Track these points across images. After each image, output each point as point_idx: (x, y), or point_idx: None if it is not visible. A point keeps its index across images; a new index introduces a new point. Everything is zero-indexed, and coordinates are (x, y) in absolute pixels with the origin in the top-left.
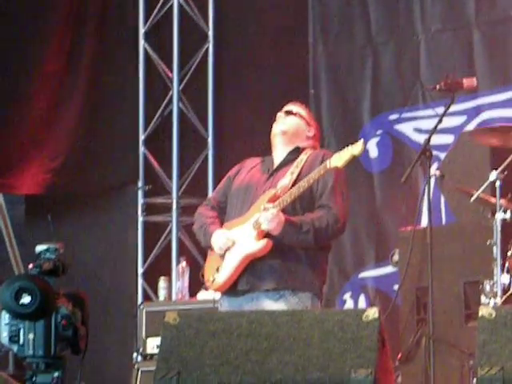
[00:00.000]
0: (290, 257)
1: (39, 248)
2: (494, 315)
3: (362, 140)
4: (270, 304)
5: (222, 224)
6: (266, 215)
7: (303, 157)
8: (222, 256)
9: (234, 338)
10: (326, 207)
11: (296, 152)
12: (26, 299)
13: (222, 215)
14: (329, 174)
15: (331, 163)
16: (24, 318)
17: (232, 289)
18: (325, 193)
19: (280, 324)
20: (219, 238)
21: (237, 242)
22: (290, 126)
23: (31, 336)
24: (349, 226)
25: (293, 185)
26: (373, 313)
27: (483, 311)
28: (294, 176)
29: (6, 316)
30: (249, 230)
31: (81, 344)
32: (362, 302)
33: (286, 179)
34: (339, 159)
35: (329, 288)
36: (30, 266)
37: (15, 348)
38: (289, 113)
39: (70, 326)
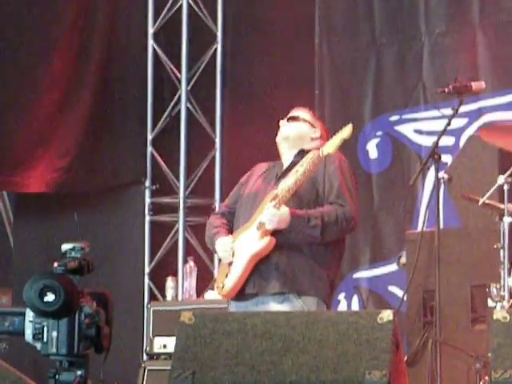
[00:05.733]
0: (296, 256)
1: (65, 247)
2: (508, 318)
3: (350, 124)
4: (275, 306)
5: (231, 229)
6: (266, 213)
7: (308, 155)
8: (230, 262)
9: (249, 338)
10: (336, 204)
11: (301, 154)
12: (50, 297)
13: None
14: (333, 173)
15: (323, 151)
16: (48, 315)
17: (240, 293)
18: (332, 192)
19: (295, 325)
20: (219, 248)
21: (241, 246)
22: (291, 131)
23: (54, 334)
24: None
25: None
26: (387, 315)
27: (498, 314)
28: (298, 174)
29: (30, 313)
30: (253, 233)
31: (104, 343)
32: (355, 303)
33: (291, 178)
34: (330, 146)
35: None
36: (55, 264)
37: (39, 345)
38: (291, 119)
39: (93, 324)
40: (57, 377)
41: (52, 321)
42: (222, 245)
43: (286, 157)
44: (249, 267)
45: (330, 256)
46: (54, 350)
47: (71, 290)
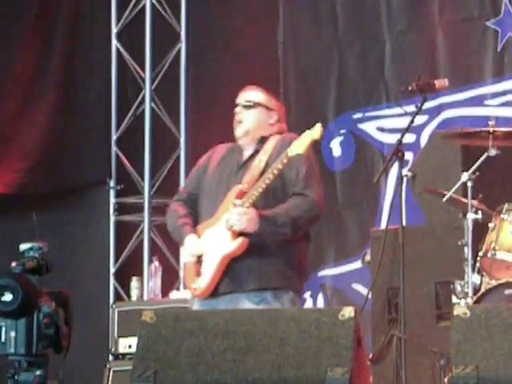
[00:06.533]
0: (267, 254)
1: (23, 246)
2: (468, 314)
3: (318, 124)
4: (251, 307)
5: (195, 218)
6: (235, 214)
7: (271, 142)
8: (200, 262)
9: (211, 336)
10: (301, 195)
11: (262, 142)
12: (7, 297)
13: (196, 207)
14: (299, 162)
15: (292, 151)
16: (6, 315)
17: (214, 292)
18: (298, 181)
19: (257, 323)
20: (185, 249)
21: (211, 245)
22: (249, 123)
23: (13, 334)
24: None
25: (261, 173)
26: (349, 312)
27: (458, 310)
28: (262, 164)
29: None
30: (222, 231)
31: (63, 343)
32: (320, 301)
33: (255, 170)
34: (300, 146)
35: None
36: (13, 263)
37: None
38: (246, 106)
39: (52, 324)
40: (16, 377)
41: (10, 321)
42: (189, 247)
43: (247, 147)
44: (221, 267)
45: (298, 250)
46: (12, 350)
47: (29, 290)
